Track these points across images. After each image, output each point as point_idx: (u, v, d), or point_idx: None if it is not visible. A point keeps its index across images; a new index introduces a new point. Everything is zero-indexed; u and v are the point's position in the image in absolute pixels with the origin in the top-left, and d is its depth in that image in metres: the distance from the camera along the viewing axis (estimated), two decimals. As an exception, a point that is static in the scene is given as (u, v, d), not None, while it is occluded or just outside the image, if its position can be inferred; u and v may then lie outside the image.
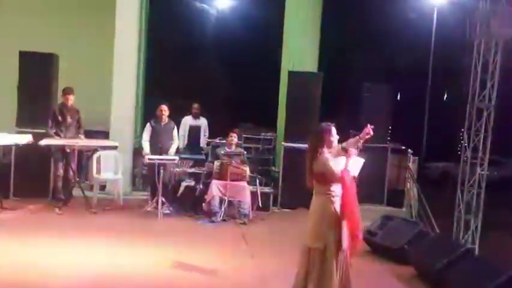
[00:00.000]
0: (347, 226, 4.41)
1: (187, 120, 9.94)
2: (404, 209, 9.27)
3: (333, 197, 4.41)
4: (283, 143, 9.38)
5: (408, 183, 9.54)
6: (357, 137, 4.58)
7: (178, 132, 8.93)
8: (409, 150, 9.91)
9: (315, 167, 4.42)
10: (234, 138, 8.43)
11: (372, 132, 4.51)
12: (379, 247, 6.66)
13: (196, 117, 9.99)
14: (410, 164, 9.76)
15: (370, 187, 9.12)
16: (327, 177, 4.39)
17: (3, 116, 8.93)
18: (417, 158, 10.11)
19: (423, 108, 11.37)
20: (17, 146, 8.08)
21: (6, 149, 8.12)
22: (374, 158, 7.76)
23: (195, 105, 9.99)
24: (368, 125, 4.52)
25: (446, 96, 13.84)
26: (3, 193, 7.97)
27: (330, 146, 4.49)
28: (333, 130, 4.54)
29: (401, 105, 11.34)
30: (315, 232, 4.44)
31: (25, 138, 7.96)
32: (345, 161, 4.43)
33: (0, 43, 10.56)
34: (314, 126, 4.76)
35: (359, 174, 4.87)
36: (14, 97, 8.74)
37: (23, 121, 8.56)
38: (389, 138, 9.80)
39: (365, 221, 7.32)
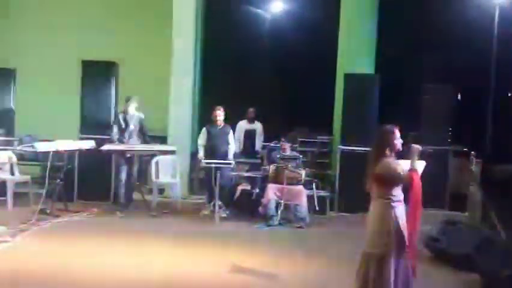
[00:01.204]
0: (408, 230, 4.27)
1: (242, 125, 9.99)
2: (467, 214, 8.93)
3: (393, 201, 4.28)
4: (340, 146, 9.26)
5: (471, 187, 9.17)
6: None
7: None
8: (472, 152, 9.53)
9: (378, 169, 4.31)
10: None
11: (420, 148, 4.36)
12: (442, 253, 6.42)
13: (251, 121, 10.03)
14: (473, 167, 9.38)
15: (431, 191, 8.81)
16: (390, 180, 4.27)
17: (67, 124, 9.28)
18: (480, 160, 9.71)
19: (487, 108, 10.91)
20: (80, 151, 8.39)
21: (70, 154, 8.44)
22: (435, 161, 7.55)
23: (251, 110, 10.04)
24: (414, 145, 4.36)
25: (510, 95, 13.25)
26: (68, 196, 8.27)
27: (394, 149, 4.37)
28: (397, 132, 4.42)
29: (463, 106, 10.92)
30: (373, 237, 4.32)
31: (88, 144, 8.25)
32: (409, 163, 4.32)
33: (62, 53, 11.00)
34: (376, 129, 4.65)
35: (420, 178, 4.73)
36: (77, 105, 9.08)
37: (86, 128, 8.89)
38: (450, 140, 9.48)
39: (427, 226, 7.15)
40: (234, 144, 8.71)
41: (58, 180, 7.94)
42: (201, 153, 8.43)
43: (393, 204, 4.27)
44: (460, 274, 5.95)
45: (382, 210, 4.30)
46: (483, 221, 8.42)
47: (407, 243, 4.24)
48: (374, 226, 4.33)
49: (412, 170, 4.28)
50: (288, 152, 8.35)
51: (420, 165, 4.61)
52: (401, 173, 4.24)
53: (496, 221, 7.96)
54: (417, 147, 4.36)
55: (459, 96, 12.19)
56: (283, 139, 8.62)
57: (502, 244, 6.34)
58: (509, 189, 8.56)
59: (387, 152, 4.33)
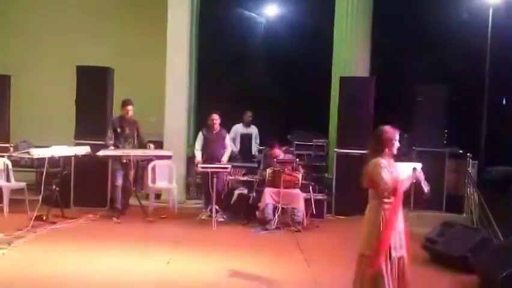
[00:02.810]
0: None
1: (238, 128, 9.99)
2: (464, 215, 8.95)
3: (385, 203, 4.29)
4: (335, 149, 9.27)
5: (468, 188, 9.20)
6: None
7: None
8: (468, 154, 9.56)
9: (368, 170, 4.30)
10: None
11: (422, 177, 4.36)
12: (440, 255, 6.43)
13: (247, 125, 10.03)
14: (470, 169, 9.42)
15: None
16: (375, 184, 4.27)
17: (62, 130, 9.24)
18: (476, 162, 9.74)
19: (481, 110, 10.96)
20: (76, 157, 8.37)
21: (66, 160, 8.41)
22: (431, 163, 7.55)
23: (248, 113, 10.02)
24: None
25: (504, 97, 13.32)
26: (64, 203, 8.24)
27: (391, 150, 4.37)
28: (396, 135, 4.41)
29: (457, 108, 10.96)
30: (366, 238, 4.34)
31: (83, 150, 8.22)
32: (408, 170, 4.33)
33: (57, 59, 10.97)
34: (374, 129, 4.64)
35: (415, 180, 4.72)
36: (71, 111, 9.05)
37: (81, 133, 8.84)
38: (445, 142, 9.50)
39: (425, 228, 7.18)
40: (230, 148, 8.71)
41: (54, 187, 7.92)
42: (198, 158, 8.42)
43: (385, 206, 4.27)
44: (458, 275, 5.96)
45: (375, 210, 4.32)
46: (480, 222, 8.46)
47: (383, 246, 4.21)
48: (366, 227, 4.35)
49: (400, 182, 4.26)
50: (283, 156, 8.34)
51: (416, 167, 4.61)
52: (385, 180, 4.20)
53: (493, 222, 7.99)
54: (420, 176, 4.34)
55: (454, 99, 12.24)
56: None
57: (499, 245, 6.35)
58: (506, 190, 8.59)
59: (384, 152, 4.33)
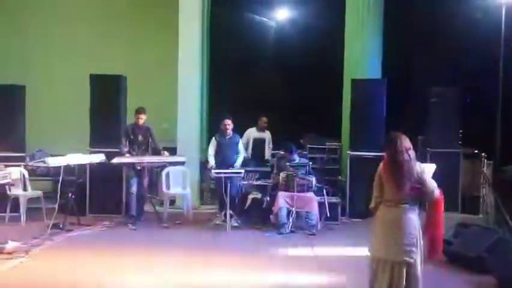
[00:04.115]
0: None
1: (251, 132, 9.98)
2: (480, 216, 8.86)
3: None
4: (348, 151, 9.25)
5: (483, 189, 9.11)
6: None
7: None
8: (483, 154, 9.47)
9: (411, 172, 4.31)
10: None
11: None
12: (456, 256, 6.38)
13: (262, 129, 10.02)
14: (485, 169, 9.32)
15: (443, 194, 8.77)
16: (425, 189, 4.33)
17: (77, 138, 9.33)
18: (491, 162, 9.64)
19: (496, 109, 10.84)
20: (91, 165, 8.45)
21: (81, 168, 8.50)
22: (446, 164, 7.52)
23: (264, 119, 9.98)
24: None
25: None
26: (80, 210, 8.32)
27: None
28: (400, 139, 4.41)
29: (472, 108, 10.86)
30: (376, 241, 4.39)
31: (98, 158, 8.31)
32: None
33: (71, 68, 11.10)
34: (383, 134, 4.68)
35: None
36: (86, 119, 9.15)
37: (96, 141, 8.91)
38: (460, 142, 9.43)
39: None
40: (243, 153, 8.72)
41: (70, 195, 7.99)
42: (211, 163, 8.45)
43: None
44: (474, 276, 5.91)
45: (412, 217, 4.35)
46: (496, 222, 8.36)
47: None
48: (403, 233, 4.32)
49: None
50: (297, 159, 8.35)
51: (430, 169, 4.62)
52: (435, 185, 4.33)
53: (509, 222, 7.90)
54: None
55: (468, 99, 12.13)
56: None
57: (517, 245, 6.28)
58: (522, 190, 8.49)
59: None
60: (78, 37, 11.45)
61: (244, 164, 8.80)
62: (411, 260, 4.24)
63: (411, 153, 4.34)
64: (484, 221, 8.50)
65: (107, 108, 9.06)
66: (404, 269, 4.24)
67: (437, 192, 4.35)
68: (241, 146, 8.70)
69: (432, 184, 4.33)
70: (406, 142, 4.35)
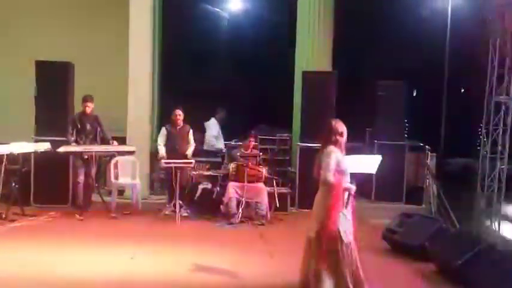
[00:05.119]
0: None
1: (214, 123, 10.02)
2: (423, 206, 9.19)
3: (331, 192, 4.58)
4: (298, 143, 9.36)
5: (427, 180, 9.45)
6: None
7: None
8: (427, 146, 9.82)
9: (320, 159, 4.60)
10: (252, 142, 8.51)
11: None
12: (399, 245, 6.60)
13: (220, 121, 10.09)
14: (429, 161, 9.67)
15: (388, 185, 9.09)
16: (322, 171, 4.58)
17: (21, 126, 9.05)
18: (435, 154, 10.01)
19: (441, 104, 11.23)
20: (35, 153, 8.21)
21: (26, 157, 8.24)
22: (391, 156, 7.71)
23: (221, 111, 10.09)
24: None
25: (463, 91, 13.68)
26: (24, 200, 8.08)
27: (339, 142, 4.64)
28: (341, 127, 4.67)
29: (418, 102, 11.23)
30: (314, 222, 4.66)
31: (43, 146, 8.08)
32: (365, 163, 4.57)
33: (15, 53, 10.71)
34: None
35: (376, 172, 4.88)
36: (31, 106, 8.86)
37: (41, 130, 8.67)
38: (406, 135, 9.74)
39: (384, 219, 7.36)
40: (193, 143, 8.68)
41: (13, 184, 7.75)
42: (161, 153, 8.38)
43: (331, 194, 4.59)
44: (416, 264, 6.13)
45: (322, 196, 4.67)
46: (438, 212, 8.70)
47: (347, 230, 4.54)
48: (315, 210, 4.76)
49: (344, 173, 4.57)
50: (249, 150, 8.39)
51: (376, 160, 4.77)
52: (330, 168, 4.47)
53: (450, 212, 8.24)
54: (351, 189, 4.60)
55: (414, 93, 12.50)
56: (253, 133, 8.74)
57: (456, 233, 6.56)
58: (463, 182, 8.86)
59: (331, 144, 4.59)
60: (23, 21, 11.04)
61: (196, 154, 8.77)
62: (312, 235, 4.62)
63: (340, 138, 4.61)
64: (426, 211, 8.83)
65: (53, 96, 8.81)
66: (313, 243, 4.62)
67: (328, 177, 4.49)
68: (191, 137, 8.66)
69: (326, 169, 4.51)
70: (340, 125, 4.67)
